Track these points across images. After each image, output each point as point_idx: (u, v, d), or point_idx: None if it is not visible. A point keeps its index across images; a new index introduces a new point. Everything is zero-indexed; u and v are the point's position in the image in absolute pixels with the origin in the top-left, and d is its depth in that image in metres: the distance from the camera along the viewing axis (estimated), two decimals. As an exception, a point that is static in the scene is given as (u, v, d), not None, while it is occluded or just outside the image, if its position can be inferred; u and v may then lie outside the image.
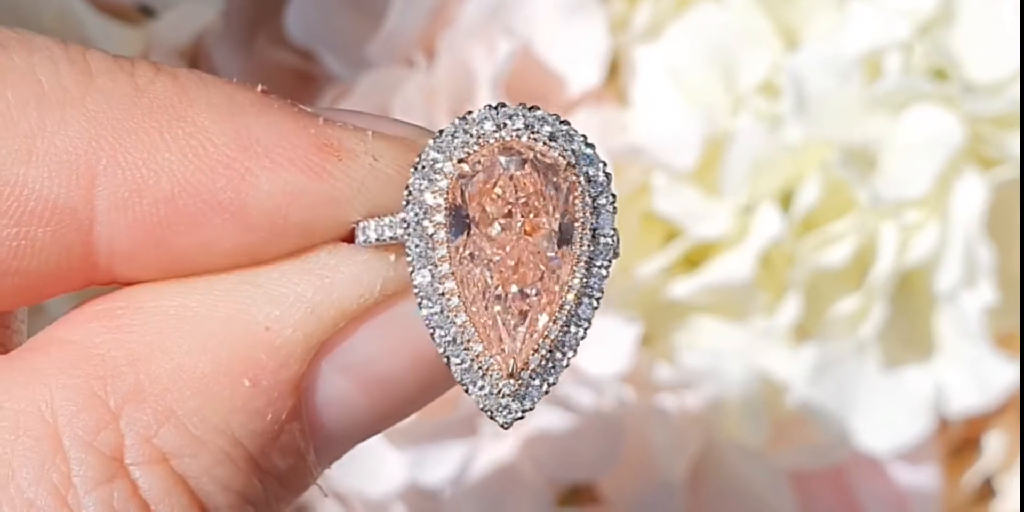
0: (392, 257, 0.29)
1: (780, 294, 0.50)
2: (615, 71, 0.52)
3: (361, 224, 0.29)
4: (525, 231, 0.29)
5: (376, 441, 0.47)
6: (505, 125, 0.29)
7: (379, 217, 0.29)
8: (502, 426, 0.29)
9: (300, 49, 0.49)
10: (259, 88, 0.29)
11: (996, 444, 0.53)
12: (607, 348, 0.48)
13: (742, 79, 0.50)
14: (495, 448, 0.48)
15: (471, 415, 0.47)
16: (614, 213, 0.29)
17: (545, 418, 0.48)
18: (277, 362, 0.28)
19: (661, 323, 0.51)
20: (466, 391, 0.29)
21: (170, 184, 0.28)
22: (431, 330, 0.29)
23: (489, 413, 0.29)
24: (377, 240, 0.29)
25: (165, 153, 0.28)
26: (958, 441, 0.54)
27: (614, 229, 0.29)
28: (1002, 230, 0.50)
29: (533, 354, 0.29)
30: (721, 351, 0.50)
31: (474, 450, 0.48)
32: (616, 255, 0.29)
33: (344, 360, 0.29)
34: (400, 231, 0.29)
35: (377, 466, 0.47)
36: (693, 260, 0.51)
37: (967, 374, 0.50)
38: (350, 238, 0.29)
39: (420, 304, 0.29)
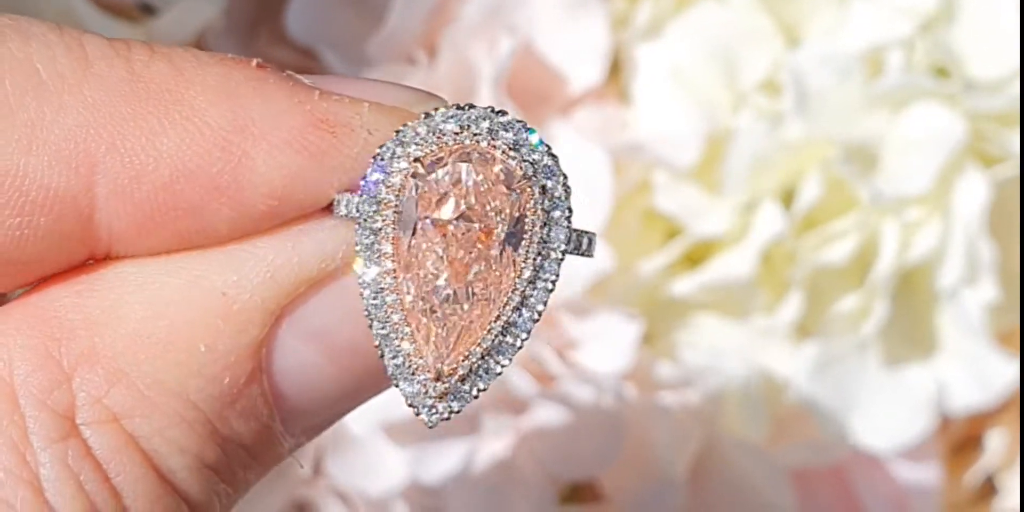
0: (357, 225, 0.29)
1: (781, 292, 0.50)
2: (616, 69, 0.52)
3: (337, 197, 0.29)
4: (473, 236, 0.28)
5: (377, 438, 0.47)
6: (468, 128, 0.29)
7: (354, 194, 0.29)
8: (427, 425, 0.29)
9: (301, 47, 0.49)
10: (255, 62, 0.29)
11: (997, 442, 0.53)
12: (608, 345, 0.48)
13: (743, 77, 0.50)
14: (496, 445, 0.48)
15: (472, 412, 0.47)
16: (568, 227, 0.29)
17: (546, 415, 0.48)
18: (234, 327, 0.28)
19: (662, 321, 0.51)
20: (396, 386, 0.29)
21: (169, 170, 0.28)
22: (369, 322, 0.29)
23: (416, 411, 0.29)
24: (348, 216, 0.29)
25: (163, 138, 0.28)
26: (959, 439, 0.54)
27: (567, 243, 0.29)
28: (1003, 227, 0.50)
29: (463, 360, 0.29)
30: (722, 349, 0.50)
31: (475, 447, 0.48)
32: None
33: (305, 326, 0.29)
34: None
35: (378, 463, 0.47)
36: (694, 258, 0.51)
37: (968, 372, 0.50)
38: (330, 204, 0.29)
39: (362, 294, 0.29)
